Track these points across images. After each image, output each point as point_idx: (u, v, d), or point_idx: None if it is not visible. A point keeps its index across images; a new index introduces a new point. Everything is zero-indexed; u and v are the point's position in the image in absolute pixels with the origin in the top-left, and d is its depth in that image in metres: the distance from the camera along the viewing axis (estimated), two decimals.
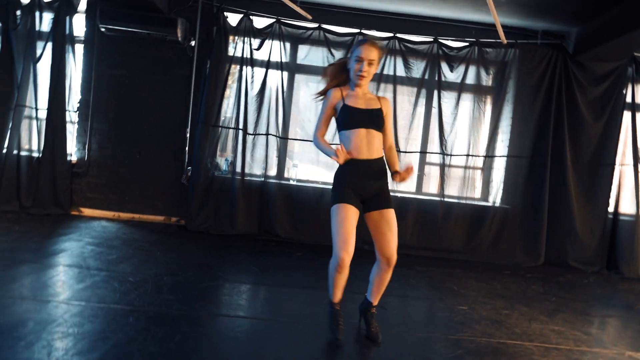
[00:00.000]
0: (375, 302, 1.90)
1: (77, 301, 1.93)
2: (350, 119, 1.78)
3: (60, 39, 3.57)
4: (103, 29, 3.53)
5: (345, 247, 1.67)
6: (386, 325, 2.01)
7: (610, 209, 3.77)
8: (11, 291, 1.96)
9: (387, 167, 1.87)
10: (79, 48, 3.74)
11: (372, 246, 1.82)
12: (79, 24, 3.74)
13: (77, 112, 3.78)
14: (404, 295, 2.53)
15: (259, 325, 1.91)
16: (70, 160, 3.75)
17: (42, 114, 3.63)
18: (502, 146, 3.95)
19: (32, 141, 3.68)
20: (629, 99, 3.76)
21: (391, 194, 1.89)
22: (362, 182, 1.77)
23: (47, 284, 2.12)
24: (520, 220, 3.78)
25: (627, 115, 3.76)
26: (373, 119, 1.79)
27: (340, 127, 1.83)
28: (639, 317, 2.65)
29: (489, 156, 3.96)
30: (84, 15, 3.73)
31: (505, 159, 3.89)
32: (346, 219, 1.69)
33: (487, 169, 4.02)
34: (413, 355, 1.79)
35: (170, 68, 3.77)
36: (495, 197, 3.89)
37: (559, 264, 3.71)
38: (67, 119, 3.69)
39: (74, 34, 3.68)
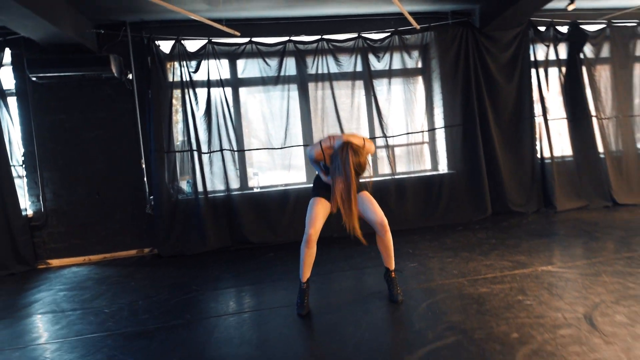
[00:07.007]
0: (391, 267, 2.18)
1: (54, 340, 2.00)
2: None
3: None
4: (34, 78, 3.51)
5: (312, 224, 2.04)
6: (343, 289, 2.29)
7: (539, 155, 4.32)
8: None
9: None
10: (12, 101, 3.68)
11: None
12: (6, 77, 3.67)
13: (23, 165, 3.72)
14: (364, 266, 2.83)
15: (231, 320, 2.09)
16: (26, 215, 3.69)
17: None
18: (439, 119, 4.38)
19: None
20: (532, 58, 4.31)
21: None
22: None
23: (22, 333, 2.16)
24: (465, 181, 4.22)
25: (534, 73, 4.31)
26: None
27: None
28: (559, 240, 3.13)
29: (429, 130, 4.37)
30: (10, 67, 3.67)
31: (443, 129, 4.32)
32: (316, 206, 2.08)
33: (431, 142, 4.44)
34: (356, 305, 2.06)
35: (111, 104, 3.81)
36: (442, 165, 4.31)
37: (504, 212, 4.20)
38: (14, 174, 3.62)
39: (4, 88, 3.62)
